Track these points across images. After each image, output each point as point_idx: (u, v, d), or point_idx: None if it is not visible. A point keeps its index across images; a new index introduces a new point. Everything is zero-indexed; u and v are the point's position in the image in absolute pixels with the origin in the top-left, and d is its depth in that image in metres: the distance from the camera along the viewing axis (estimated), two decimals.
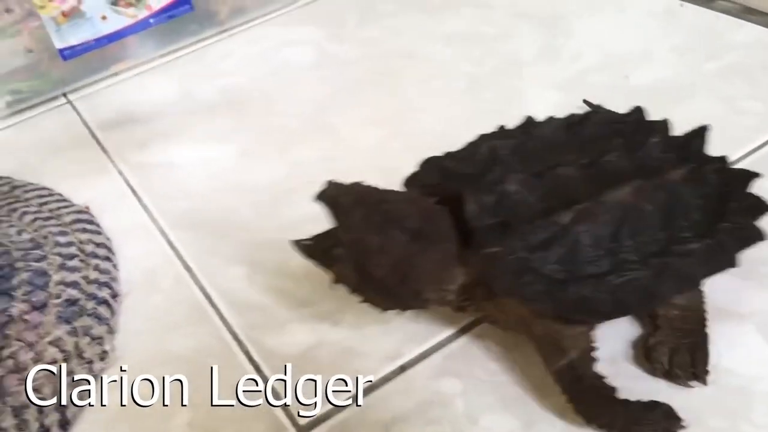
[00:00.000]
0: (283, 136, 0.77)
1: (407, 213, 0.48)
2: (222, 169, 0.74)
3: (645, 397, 0.47)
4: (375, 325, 0.56)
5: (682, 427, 0.46)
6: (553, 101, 0.76)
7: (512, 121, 0.76)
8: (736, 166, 0.56)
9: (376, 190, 0.49)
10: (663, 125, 0.56)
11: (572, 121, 0.56)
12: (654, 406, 0.46)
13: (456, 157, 0.53)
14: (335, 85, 0.83)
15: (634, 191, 0.48)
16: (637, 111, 0.58)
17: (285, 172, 0.72)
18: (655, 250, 0.47)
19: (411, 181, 0.54)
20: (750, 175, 0.54)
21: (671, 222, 0.49)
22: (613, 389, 0.47)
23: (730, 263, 0.50)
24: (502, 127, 0.56)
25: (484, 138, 0.55)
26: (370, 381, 0.53)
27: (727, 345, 0.51)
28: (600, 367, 0.48)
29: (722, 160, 0.54)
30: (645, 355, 0.51)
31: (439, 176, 0.52)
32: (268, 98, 0.83)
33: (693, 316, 0.51)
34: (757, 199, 0.52)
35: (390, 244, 0.47)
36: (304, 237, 0.51)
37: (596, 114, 0.58)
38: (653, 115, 0.58)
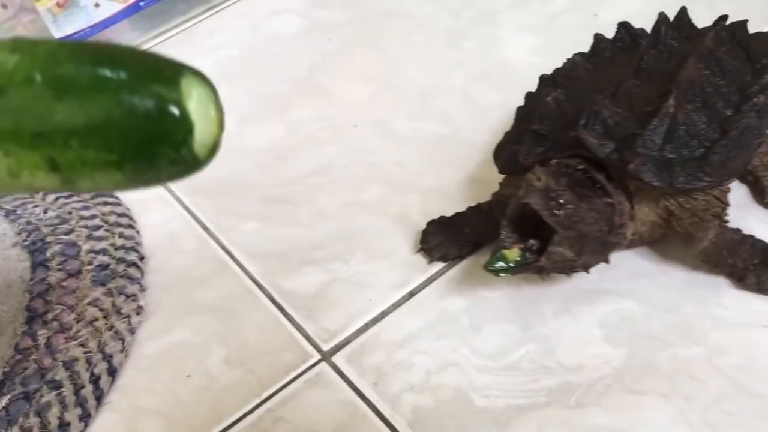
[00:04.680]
0: (279, 101, 0.82)
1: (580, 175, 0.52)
2: (224, 136, 0.79)
3: None
4: (382, 260, 0.62)
5: None
6: (528, 45, 0.81)
7: (492, 66, 0.81)
8: None
9: (554, 166, 0.52)
10: (663, 19, 0.59)
11: (586, 55, 0.61)
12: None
13: (531, 120, 0.56)
14: (323, 49, 0.87)
15: (693, 65, 0.53)
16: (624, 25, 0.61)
17: (284, 133, 0.77)
18: (738, 100, 0.53)
19: (513, 157, 0.55)
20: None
21: (733, 78, 0.54)
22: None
23: None
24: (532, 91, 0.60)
25: (531, 98, 0.58)
26: (383, 308, 0.59)
27: None
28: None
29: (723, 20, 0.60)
30: None
31: (536, 143, 0.55)
32: (260, 67, 0.87)
33: None
34: None
35: (595, 203, 0.51)
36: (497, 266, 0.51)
37: (600, 42, 0.61)
38: None
